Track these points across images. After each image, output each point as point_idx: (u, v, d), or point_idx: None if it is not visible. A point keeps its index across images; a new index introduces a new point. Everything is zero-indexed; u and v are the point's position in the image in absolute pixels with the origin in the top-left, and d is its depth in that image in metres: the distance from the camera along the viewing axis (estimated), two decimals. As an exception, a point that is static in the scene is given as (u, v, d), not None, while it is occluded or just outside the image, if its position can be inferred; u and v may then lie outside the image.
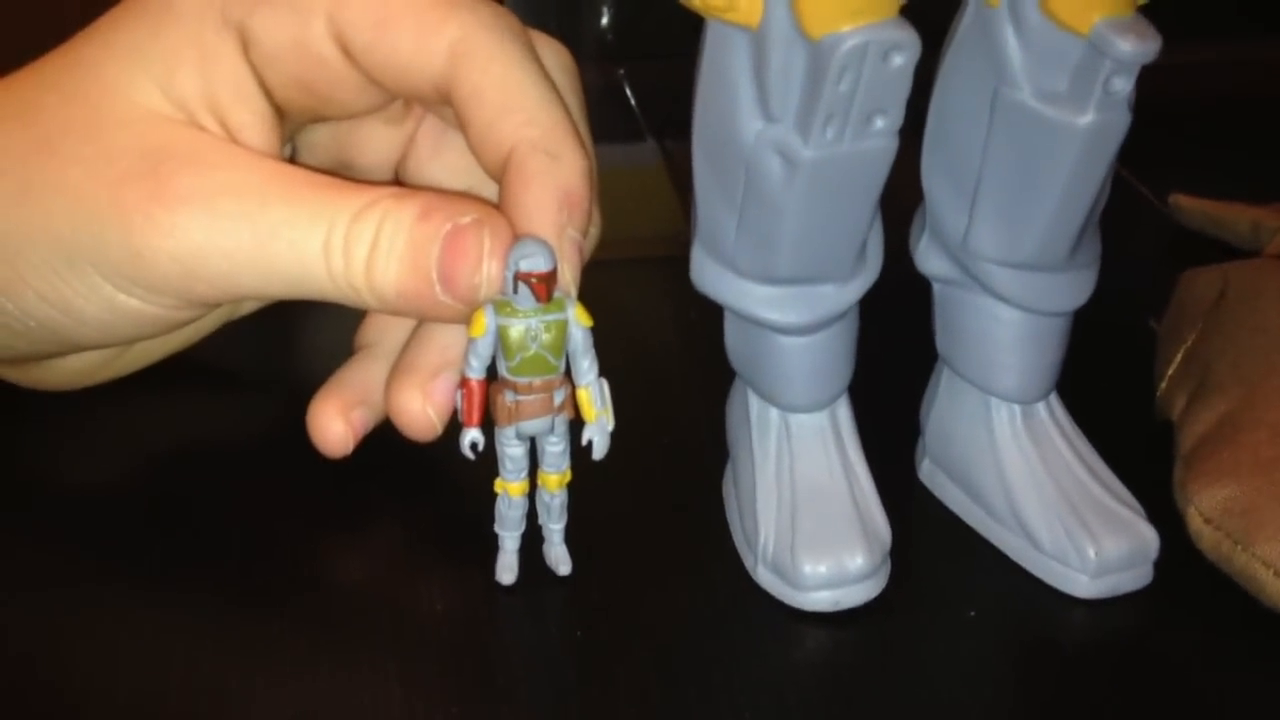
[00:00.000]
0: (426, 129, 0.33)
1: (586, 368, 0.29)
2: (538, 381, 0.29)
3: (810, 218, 0.29)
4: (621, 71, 0.60)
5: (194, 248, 0.26)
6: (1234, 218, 0.45)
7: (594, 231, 0.31)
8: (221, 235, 0.26)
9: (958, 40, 0.30)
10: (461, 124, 0.28)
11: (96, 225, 0.26)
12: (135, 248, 0.26)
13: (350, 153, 0.31)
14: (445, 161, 0.33)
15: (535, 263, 0.27)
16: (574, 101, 0.31)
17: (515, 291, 0.27)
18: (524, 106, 0.27)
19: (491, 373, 0.29)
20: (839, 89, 0.27)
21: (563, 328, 0.28)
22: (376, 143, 0.31)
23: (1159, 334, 0.38)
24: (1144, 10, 0.28)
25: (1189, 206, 0.47)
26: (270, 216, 0.26)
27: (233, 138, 0.27)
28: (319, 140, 0.31)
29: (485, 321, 0.28)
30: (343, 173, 0.31)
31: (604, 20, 0.62)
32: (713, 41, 0.28)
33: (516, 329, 0.28)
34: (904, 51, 0.27)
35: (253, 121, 0.27)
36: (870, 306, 0.32)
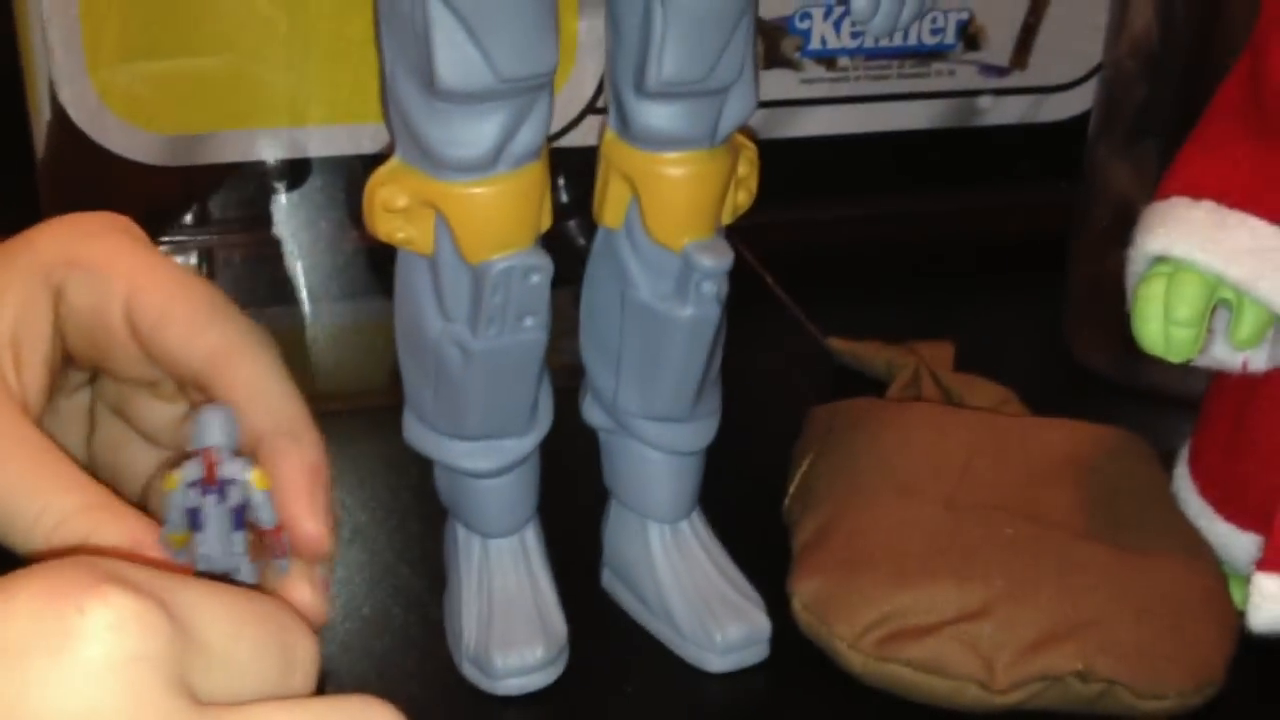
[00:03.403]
0: None
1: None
2: None
3: (486, 392, 0.38)
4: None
5: None
6: (873, 356, 0.56)
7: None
8: None
9: (594, 255, 0.40)
10: None
11: None
12: None
13: (129, 413, 0.38)
14: None
15: None
16: (284, 379, 0.35)
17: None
18: (269, 399, 0.34)
19: None
20: (495, 300, 0.36)
21: None
22: (150, 412, 0.37)
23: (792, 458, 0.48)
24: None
25: (840, 347, 0.57)
26: (3, 472, 0.31)
27: (18, 366, 0.34)
28: (108, 392, 0.38)
29: None
30: (123, 426, 0.37)
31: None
32: (402, 262, 0.37)
33: None
34: (540, 272, 0.36)
35: (36, 363, 0.34)
36: (562, 449, 0.41)
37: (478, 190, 0.35)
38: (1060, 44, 0.69)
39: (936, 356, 0.55)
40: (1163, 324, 0.37)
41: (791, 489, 0.45)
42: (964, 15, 0.68)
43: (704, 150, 0.37)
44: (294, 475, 0.33)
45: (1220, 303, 0.38)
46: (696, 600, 0.41)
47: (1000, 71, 0.70)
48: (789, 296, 0.64)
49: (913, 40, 0.68)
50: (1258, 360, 0.39)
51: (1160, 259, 0.38)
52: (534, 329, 0.37)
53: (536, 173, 0.36)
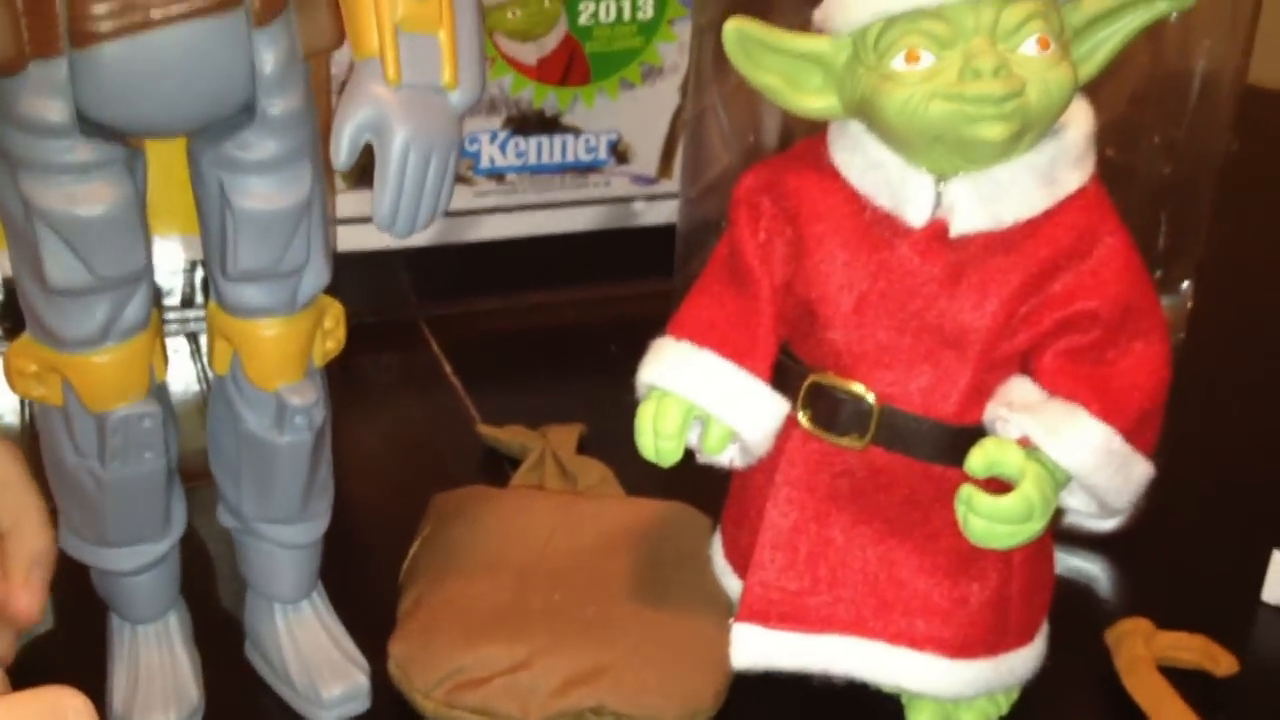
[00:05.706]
0: None
1: None
2: None
3: (119, 511, 0.47)
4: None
5: None
6: (510, 440, 0.66)
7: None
8: None
9: (212, 395, 0.49)
10: None
11: None
12: None
13: None
14: None
15: None
16: (20, 484, 0.48)
17: None
18: (14, 497, 0.44)
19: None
20: (116, 440, 0.45)
21: None
22: None
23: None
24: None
25: (486, 433, 0.68)
26: None
27: None
28: None
29: None
30: None
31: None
32: (40, 410, 0.46)
33: None
34: (151, 418, 0.45)
35: None
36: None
37: (92, 360, 0.44)
38: (699, 156, 0.81)
39: (563, 439, 0.66)
40: (653, 438, 0.49)
41: (405, 565, 0.56)
42: (614, 135, 0.80)
43: (287, 316, 0.47)
44: (18, 559, 0.45)
45: (698, 418, 0.49)
46: (309, 665, 0.51)
47: (649, 180, 0.82)
48: (462, 384, 0.75)
49: (570, 158, 0.79)
50: (738, 459, 0.51)
51: (653, 385, 0.49)
52: (153, 460, 0.46)
53: (144, 341, 0.45)
